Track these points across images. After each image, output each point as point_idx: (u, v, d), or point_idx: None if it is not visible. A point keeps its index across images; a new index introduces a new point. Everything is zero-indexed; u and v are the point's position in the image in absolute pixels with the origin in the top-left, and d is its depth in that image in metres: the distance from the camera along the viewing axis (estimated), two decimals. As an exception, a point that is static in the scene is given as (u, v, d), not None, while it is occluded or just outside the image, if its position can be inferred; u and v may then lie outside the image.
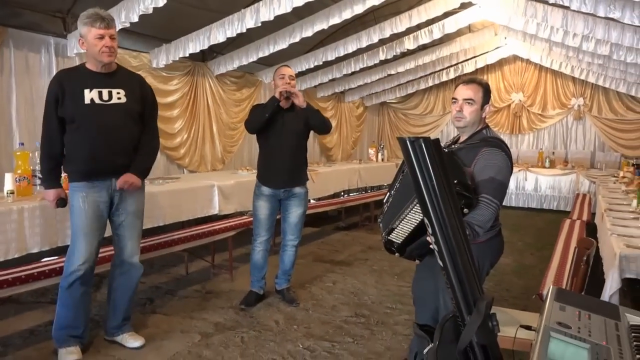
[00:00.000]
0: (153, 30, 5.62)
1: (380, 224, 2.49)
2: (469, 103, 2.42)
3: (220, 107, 6.86)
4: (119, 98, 2.89)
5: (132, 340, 3.11)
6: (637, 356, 1.31)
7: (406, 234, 2.26)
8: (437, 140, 1.38)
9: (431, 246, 2.04)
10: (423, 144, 1.32)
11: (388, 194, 2.52)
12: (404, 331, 3.54)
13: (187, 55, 5.65)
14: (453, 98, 2.49)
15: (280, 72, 3.81)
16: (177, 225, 4.65)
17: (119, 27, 4.07)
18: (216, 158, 6.90)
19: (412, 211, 2.18)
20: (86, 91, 2.81)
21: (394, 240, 2.34)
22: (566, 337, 1.34)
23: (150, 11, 4.40)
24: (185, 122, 6.32)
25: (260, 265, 3.97)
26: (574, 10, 5.09)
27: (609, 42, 5.83)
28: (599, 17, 5.03)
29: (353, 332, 3.52)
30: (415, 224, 2.19)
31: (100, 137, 2.82)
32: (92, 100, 2.81)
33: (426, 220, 1.38)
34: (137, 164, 3.01)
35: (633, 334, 1.43)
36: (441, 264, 1.38)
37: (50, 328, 3.22)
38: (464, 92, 2.43)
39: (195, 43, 5.52)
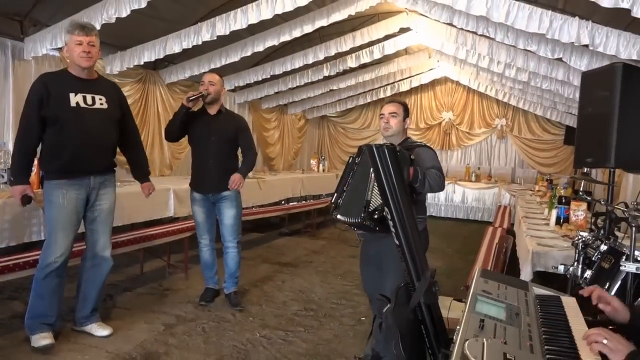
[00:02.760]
0: (106, 37, 5.71)
1: (341, 217, 2.81)
2: (393, 116, 2.97)
3: (170, 114, 6.93)
4: (101, 104, 3.11)
5: (100, 330, 3.29)
6: (539, 313, 1.76)
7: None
8: (395, 147, 1.80)
9: None
10: (386, 150, 1.73)
11: (336, 194, 2.84)
12: (349, 322, 3.93)
13: (142, 63, 5.83)
14: (380, 114, 3.04)
15: (202, 79, 3.92)
16: (126, 227, 4.78)
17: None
18: (164, 164, 7.07)
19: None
20: (71, 95, 2.98)
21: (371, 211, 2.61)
22: (489, 299, 1.78)
23: (113, 20, 4.60)
24: (136, 128, 6.45)
25: (210, 263, 4.16)
26: (498, 42, 5.76)
27: (527, 70, 6.59)
28: (519, 48, 5.73)
29: (304, 323, 3.86)
30: None
31: (83, 139, 3.01)
32: (77, 103, 2.99)
33: (386, 208, 1.78)
34: (145, 169, 3.55)
35: (537, 300, 1.90)
36: (397, 242, 1.78)
37: (16, 321, 3.37)
38: (389, 108, 3.01)
39: (151, 52, 5.72)
